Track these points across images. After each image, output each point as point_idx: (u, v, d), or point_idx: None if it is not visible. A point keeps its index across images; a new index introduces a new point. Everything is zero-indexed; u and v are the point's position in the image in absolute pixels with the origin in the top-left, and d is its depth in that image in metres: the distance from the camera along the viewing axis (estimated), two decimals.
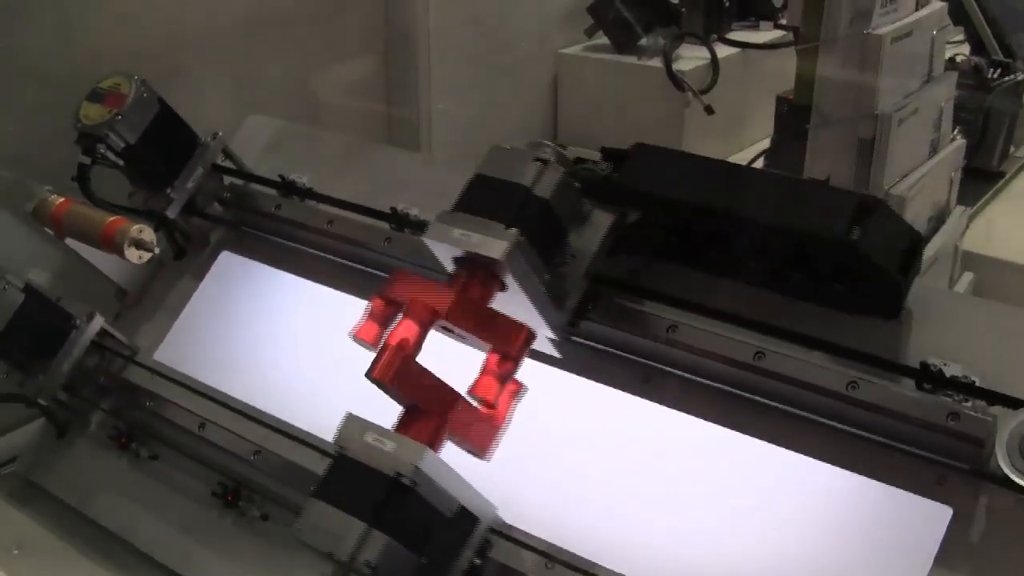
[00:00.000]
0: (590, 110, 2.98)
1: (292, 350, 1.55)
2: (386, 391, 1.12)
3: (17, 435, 1.73)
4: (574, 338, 1.33)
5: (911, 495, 1.11)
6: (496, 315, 1.16)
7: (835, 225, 1.18)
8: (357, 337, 1.16)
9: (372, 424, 1.10)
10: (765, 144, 2.68)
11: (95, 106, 1.53)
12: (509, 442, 1.15)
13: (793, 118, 2.33)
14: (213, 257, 1.68)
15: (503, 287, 1.18)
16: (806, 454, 1.15)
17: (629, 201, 1.30)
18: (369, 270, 1.51)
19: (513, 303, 1.19)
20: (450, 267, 1.20)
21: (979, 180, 2.72)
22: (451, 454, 1.13)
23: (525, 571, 1.19)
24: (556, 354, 1.33)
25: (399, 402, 1.14)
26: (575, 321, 1.29)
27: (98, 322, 1.56)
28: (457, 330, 1.17)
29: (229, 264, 1.67)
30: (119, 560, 1.44)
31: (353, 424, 1.10)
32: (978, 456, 1.07)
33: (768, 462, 1.18)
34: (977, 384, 1.10)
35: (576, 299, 1.27)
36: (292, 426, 1.41)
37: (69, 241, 1.59)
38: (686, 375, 1.27)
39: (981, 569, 1.06)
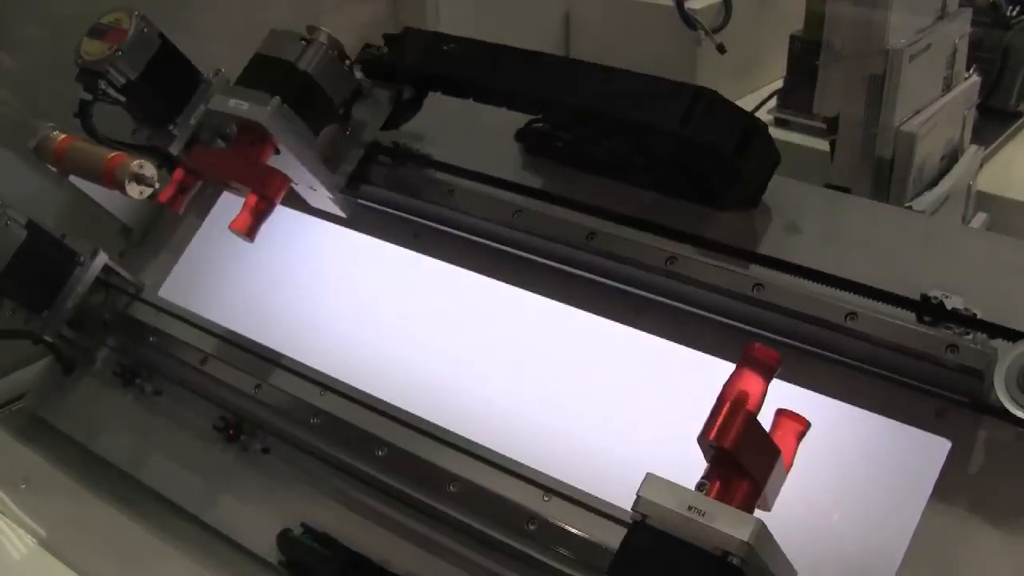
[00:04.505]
0: (602, 48, 2.94)
1: (294, 285, 1.56)
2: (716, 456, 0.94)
3: (25, 372, 1.75)
4: (359, 200, 1.50)
5: (910, 427, 1.11)
6: (265, 168, 1.37)
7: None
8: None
9: (679, 487, 0.91)
10: (780, 85, 2.66)
11: (96, 42, 1.51)
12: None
13: (804, 56, 2.31)
14: (217, 194, 1.68)
15: (277, 150, 1.38)
16: (803, 385, 1.14)
17: (403, 79, 1.49)
18: (370, 204, 1.51)
19: (290, 165, 1.39)
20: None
21: (996, 120, 2.68)
22: None
23: None
24: (341, 213, 1.51)
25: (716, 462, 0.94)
26: (355, 184, 1.48)
27: (102, 259, 1.57)
28: (233, 183, 1.39)
29: (232, 201, 1.66)
30: (123, 494, 1.45)
31: (656, 485, 0.92)
32: (978, 389, 1.06)
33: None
34: (978, 317, 1.09)
35: (352, 164, 1.48)
36: (293, 360, 1.43)
37: (74, 179, 1.58)
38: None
39: (979, 501, 1.05)
